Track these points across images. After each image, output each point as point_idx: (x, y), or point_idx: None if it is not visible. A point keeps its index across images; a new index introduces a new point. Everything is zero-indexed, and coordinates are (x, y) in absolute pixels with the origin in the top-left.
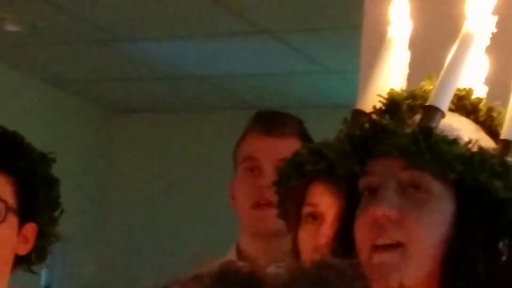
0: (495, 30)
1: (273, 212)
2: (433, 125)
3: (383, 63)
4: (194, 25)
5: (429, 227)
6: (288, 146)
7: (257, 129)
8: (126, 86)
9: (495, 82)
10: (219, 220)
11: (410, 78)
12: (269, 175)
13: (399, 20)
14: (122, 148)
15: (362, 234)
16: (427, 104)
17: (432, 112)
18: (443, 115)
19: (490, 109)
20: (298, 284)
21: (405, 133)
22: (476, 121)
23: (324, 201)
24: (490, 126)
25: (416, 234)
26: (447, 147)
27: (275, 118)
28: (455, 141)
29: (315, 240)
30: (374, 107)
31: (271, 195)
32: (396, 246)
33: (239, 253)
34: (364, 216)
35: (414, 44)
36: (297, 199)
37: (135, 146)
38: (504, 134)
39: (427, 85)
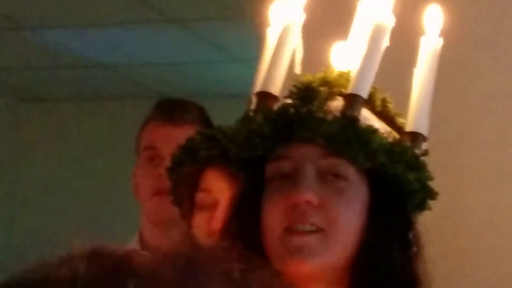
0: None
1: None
2: (357, 113)
3: (283, 47)
4: (100, 13)
5: (348, 213)
6: (188, 134)
7: (157, 117)
8: (34, 75)
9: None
10: (125, 207)
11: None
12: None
13: (295, 8)
14: (31, 136)
15: (275, 218)
16: (349, 92)
17: (355, 100)
18: (364, 104)
19: (384, 100)
20: (168, 264)
21: (331, 120)
22: (373, 111)
23: (218, 187)
24: (386, 116)
25: (337, 221)
26: (372, 137)
27: (175, 106)
28: (377, 131)
29: (209, 226)
30: (290, 91)
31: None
32: (317, 231)
33: (142, 240)
34: (281, 201)
35: (307, 31)
36: (190, 185)
37: (43, 134)
38: (411, 126)
39: (332, 72)
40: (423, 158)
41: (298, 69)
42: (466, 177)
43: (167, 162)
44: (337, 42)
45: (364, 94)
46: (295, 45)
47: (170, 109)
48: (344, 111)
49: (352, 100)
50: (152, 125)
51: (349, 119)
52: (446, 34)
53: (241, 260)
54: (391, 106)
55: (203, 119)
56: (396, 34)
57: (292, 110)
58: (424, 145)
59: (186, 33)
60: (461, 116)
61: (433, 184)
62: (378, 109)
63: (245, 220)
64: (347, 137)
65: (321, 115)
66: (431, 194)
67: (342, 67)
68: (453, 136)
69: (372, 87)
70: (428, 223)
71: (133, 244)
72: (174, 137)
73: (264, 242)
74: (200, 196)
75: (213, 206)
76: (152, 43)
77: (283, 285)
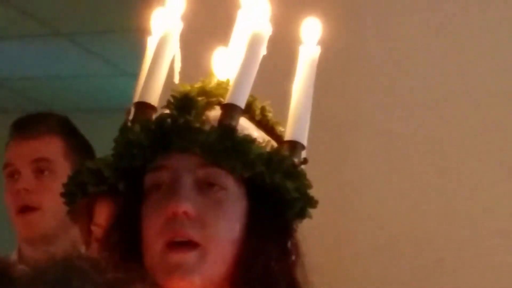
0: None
1: (36, 215)
2: (234, 123)
3: (161, 58)
4: None
5: (226, 225)
6: (44, 146)
7: (12, 134)
8: None
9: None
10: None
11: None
12: (26, 178)
13: (173, 18)
14: None
15: (155, 231)
16: (226, 102)
17: (233, 110)
18: (242, 113)
19: (263, 109)
20: (49, 272)
21: (208, 130)
22: (252, 120)
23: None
24: (266, 125)
25: (214, 233)
26: (250, 146)
27: (29, 120)
28: (255, 140)
29: None
30: (168, 101)
31: (29, 199)
32: (193, 246)
33: (20, 256)
34: (159, 212)
35: (187, 41)
36: (85, 217)
37: None
38: (290, 135)
39: (210, 82)
40: (302, 167)
41: (176, 79)
42: (350, 185)
43: (24, 177)
44: (219, 48)
45: (241, 103)
46: (173, 54)
47: (22, 124)
48: (221, 121)
49: (229, 109)
50: (9, 143)
51: (226, 129)
52: (325, 44)
53: (122, 271)
54: (270, 115)
55: (66, 131)
56: (277, 43)
57: (169, 120)
58: (303, 154)
59: (73, 47)
60: (347, 125)
61: (312, 193)
62: (258, 118)
63: (125, 231)
64: (224, 146)
65: (198, 125)
66: (311, 203)
67: (222, 76)
68: (336, 145)
69: (251, 96)
70: (311, 230)
71: (14, 258)
72: (27, 151)
73: (145, 254)
74: (94, 230)
75: None
76: (38, 57)
77: None
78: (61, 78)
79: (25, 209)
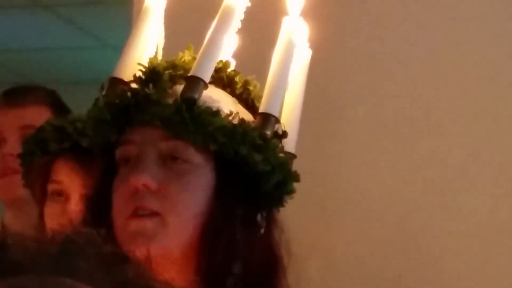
0: (249, 4)
1: (18, 177)
2: (196, 96)
3: (140, 33)
4: None
5: (188, 199)
6: (31, 114)
7: (1, 103)
8: None
9: (246, 56)
10: None
11: (167, 48)
12: (12, 144)
13: None
14: None
15: (120, 204)
16: (189, 74)
17: (195, 83)
18: (205, 86)
19: (246, 83)
20: (45, 249)
21: (168, 103)
22: (233, 94)
23: (68, 179)
24: (246, 99)
25: (175, 205)
26: (210, 118)
27: (19, 90)
28: (217, 113)
29: (60, 217)
30: (135, 75)
31: (16, 163)
32: (154, 215)
33: (2, 224)
34: (124, 185)
35: (171, 15)
36: (42, 176)
37: None
38: (262, 107)
39: (186, 56)
40: (277, 139)
41: (160, 55)
42: (340, 166)
43: (9, 143)
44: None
45: (205, 76)
46: (155, 31)
47: (12, 93)
48: (182, 93)
49: (192, 82)
50: None
51: (186, 101)
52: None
53: (113, 245)
54: (252, 89)
55: (53, 102)
56: (265, 16)
57: (129, 94)
58: (279, 127)
59: (55, 19)
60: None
61: (295, 166)
62: (239, 91)
63: (98, 206)
64: (183, 119)
65: (157, 98)
66: (292, 176)
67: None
68: (320, 137)
69: (235, 71)
70: (300, 213)
71: None
72: (14, 118)
73: (113, 226)
74: (52, 187)
75: (64, 197)
76: (19, 28)
77: (152, 273)
78: (42, 50)
79: (12, 172)
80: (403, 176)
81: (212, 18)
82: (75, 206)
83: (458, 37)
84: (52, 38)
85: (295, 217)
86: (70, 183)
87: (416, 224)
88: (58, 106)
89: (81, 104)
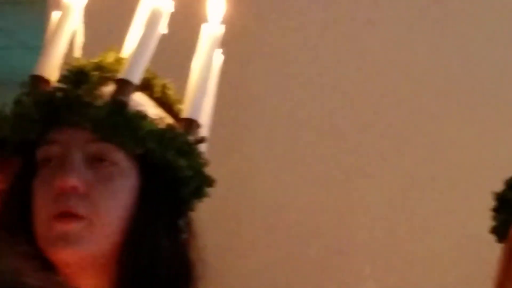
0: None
1: None
2: (126, 99)
3: (61, 31)
4: None
5: (114, 201)
6: None
7: None
8: None
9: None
10: None
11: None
12: None
13: None
14: None
15: (43, 205)
16: (120, 77)
17: (126, 85)
18: (135, 89)
19: (164, 86)
20: None
21: (99, 105)
22: (151, 97)
23: None
24: (165, 103)
25: (100, 209)
26: (140, 122)
27: None
28: (146, 117)
29: None
30: (62, 75)
31: None
32: (78, 218)
33: None
34: (47, 186)
35: (93, 15)
36: None
37: None
38: (187, 112)
39: (109, 57)
40: (198, 145)
41: (78, 53)
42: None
43: None
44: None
45: (135, 79)
46: (74, 28)
47: None
48: (113, 96)
49: (122, 85)
50: None
51: (117, 104)
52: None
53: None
54: (171, 93)
55: None
56: (186, 20)
57: (59, 94)
58: (201, 132)
59: None
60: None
61: (210, 172)
62: (157, 95)
63: (18, 205)
64: (114, 122)
65: (88, 99)
66: (207, 181)
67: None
68: (232, 128)
69: (152, 73)
70: (211, 213)
71: None
72: None
73: (35, 228)
74: None
75: None
76: None
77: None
78: None
79: None
80: (315, 179)
81: (129, 17)
82: None
83: (381, 36)
84: None
85: (204, 222)
86: None
87: (331, 228)
88: None
89: None
